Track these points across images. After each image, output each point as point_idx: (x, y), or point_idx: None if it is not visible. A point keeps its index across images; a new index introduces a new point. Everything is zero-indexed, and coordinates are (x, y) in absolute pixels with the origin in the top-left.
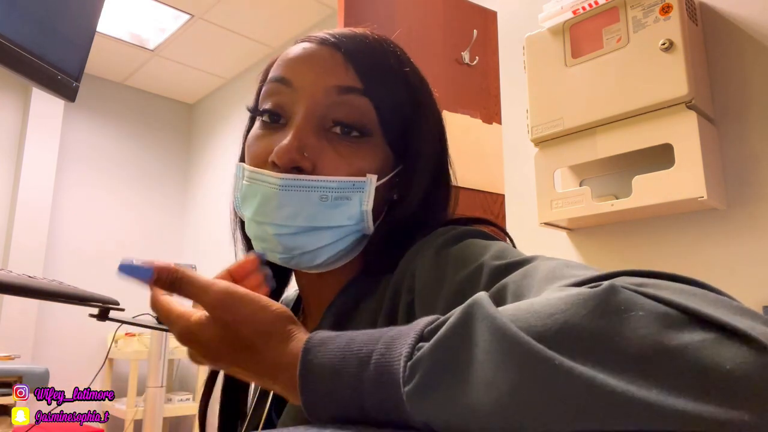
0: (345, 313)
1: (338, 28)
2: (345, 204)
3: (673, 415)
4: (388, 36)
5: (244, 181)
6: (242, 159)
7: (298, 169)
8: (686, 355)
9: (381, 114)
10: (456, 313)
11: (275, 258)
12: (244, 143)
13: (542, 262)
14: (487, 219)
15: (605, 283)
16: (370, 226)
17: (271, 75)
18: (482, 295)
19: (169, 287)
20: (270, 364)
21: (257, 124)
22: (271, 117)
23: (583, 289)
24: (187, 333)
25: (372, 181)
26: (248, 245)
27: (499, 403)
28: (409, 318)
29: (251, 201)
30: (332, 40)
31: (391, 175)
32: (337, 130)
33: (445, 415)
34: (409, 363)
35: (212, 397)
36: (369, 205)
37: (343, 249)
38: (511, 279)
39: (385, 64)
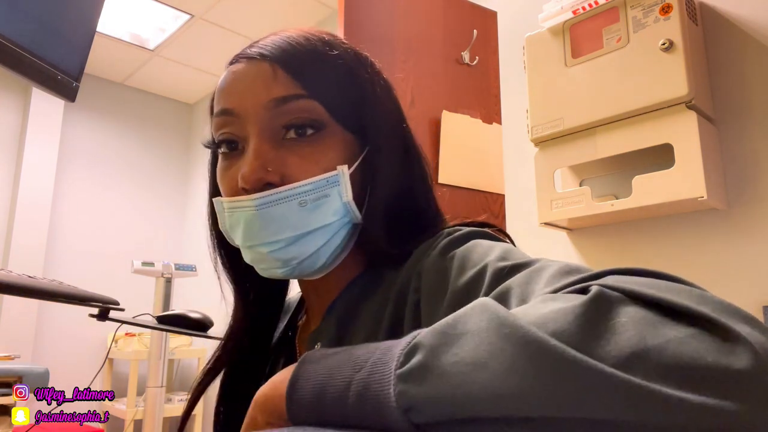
0: (347, 312)
1: (265, 37)
2: (325, 202)
3: (660, 399)
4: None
5: (226, 213)
6: (213, 194)
7: (269, 185)
8: (668, 350)
9: (328, 106)
10: (459, 310)
11: (276, 274)
12: (211, 177)
13: (545, 265)
14: (491, 223)
15: (592, 289)
16: (356, 215)
17: (215, 109)
18: (486, 298)
19: None
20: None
21: (220, 157)
22: (228, 146)
23: (570, 298)
24: None
25: (344, 172)
26: (234, 277)
27: (494, 385)
28: (416, 318)
29: (237, 229)
30: (257, 51)
31: (360, 158)
32: (292, 134)
33: (436, 392)
34: (405, 350)
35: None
36: (349, 195)
37: (339, 244)
38: (515, 283)
39: (313, 57)
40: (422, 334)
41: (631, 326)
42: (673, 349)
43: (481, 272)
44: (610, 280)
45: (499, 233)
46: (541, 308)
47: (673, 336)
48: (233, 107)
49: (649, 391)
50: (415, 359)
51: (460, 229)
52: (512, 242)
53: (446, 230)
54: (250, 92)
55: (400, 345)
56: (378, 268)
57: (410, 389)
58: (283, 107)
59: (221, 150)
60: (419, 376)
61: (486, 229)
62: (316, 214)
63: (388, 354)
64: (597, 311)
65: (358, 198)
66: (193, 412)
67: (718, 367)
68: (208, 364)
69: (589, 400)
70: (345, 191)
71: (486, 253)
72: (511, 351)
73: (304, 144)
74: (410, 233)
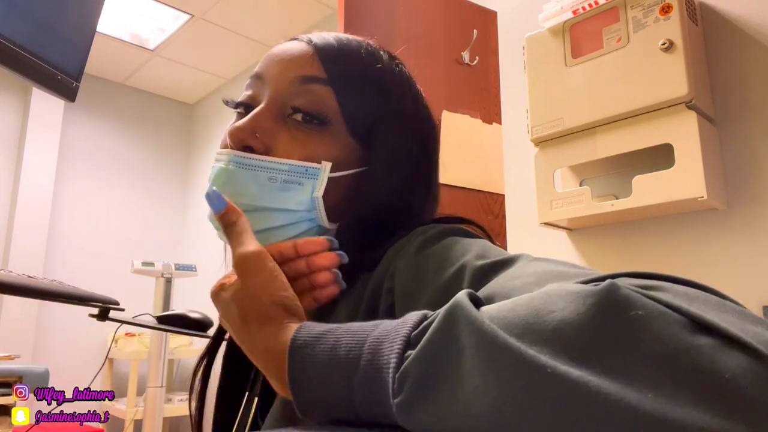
0: (321, 315)
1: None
2: (295, 188)
3: (667, 423)
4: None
5: (213, 165)
6: None
7: (250, 149)
8: (685, 360)
9: (342, 103)
10: (439, 316)
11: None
12: None
13: (529, 262)
14: (467, 218)
15: (606, 281)
16: (322, 216)
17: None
18: (462, 297)
19: (225, 226)
20: (260, 348)
21: (234, 116)
22: (245, 108)
23: (583, 286)
24: (218, 285)
25: (326, 168)
26: None
27: (490, 410)
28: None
29: (211, 180)
30: (306, 36)
31: (357, 170)
32: (298, 117)
33: (436, 425)
34: (397, 375)
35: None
36: (320, 192)
37: (295, 237)
38: (498, 284)
39: (352, 58)
40: (411, 358)
41: (646, 324)
42: (691, 359)
43: (460, 271)
44: (621, 280)
45: (475, 229)
46: (550, 295)
47: (692, 345)
48: (263, 72)
49: (662, 415)
50: (409, 391)
51: (435, 227)
52: (489, 237)
53: (420, 228)
54: (282, 64)
55: (390, 363)
56: (351, 270)
57: (412, 420)
58: (304, 86)
59: (237, 110)
60: (418, 407)
61: (461, 226)
62: (280, 195)
63: (379, 360)
64: (610, 303)
65: (339, 205)
66: (192, 413)
67: (736, 385)
68: (202, 358)
69: (598, 424)
70: (319, 187)
71: (463, 251)
72: (500, 377)
73: (302, 129)
74: (385, 243)
